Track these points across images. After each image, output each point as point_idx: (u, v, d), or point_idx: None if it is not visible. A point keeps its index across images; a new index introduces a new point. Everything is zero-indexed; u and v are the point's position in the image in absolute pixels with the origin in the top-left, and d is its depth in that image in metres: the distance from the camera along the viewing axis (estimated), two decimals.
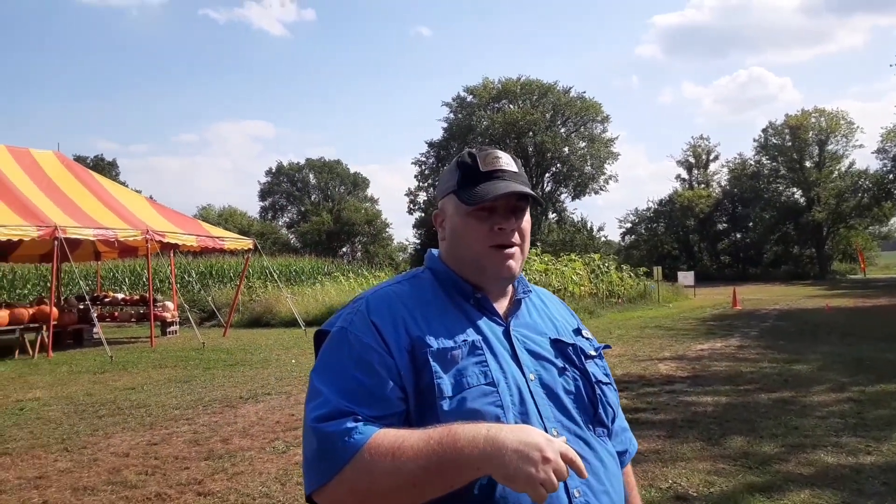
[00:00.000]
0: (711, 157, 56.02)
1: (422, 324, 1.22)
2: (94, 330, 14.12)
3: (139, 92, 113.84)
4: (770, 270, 47.30)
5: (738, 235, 52.63)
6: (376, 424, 1.10)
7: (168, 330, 15.97)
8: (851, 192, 46.36)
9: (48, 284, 18.49)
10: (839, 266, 48.71)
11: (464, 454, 1.02)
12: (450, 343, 1.20)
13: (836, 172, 48.28)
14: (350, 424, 1.08)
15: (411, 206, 55.18)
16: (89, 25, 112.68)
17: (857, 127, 47.69)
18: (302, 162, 66.56)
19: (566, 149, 51.19)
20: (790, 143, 48.71)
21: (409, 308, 1.24)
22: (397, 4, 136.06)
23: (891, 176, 43.41)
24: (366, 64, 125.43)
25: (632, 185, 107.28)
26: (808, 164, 48.70)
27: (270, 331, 16.57)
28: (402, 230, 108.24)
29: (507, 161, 1.31)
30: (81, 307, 14.81)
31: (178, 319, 16.66)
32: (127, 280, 24.49)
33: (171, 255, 17.46)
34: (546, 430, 1.17)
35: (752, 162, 52.14)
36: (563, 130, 52.15)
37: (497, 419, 1.13)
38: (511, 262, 1.28)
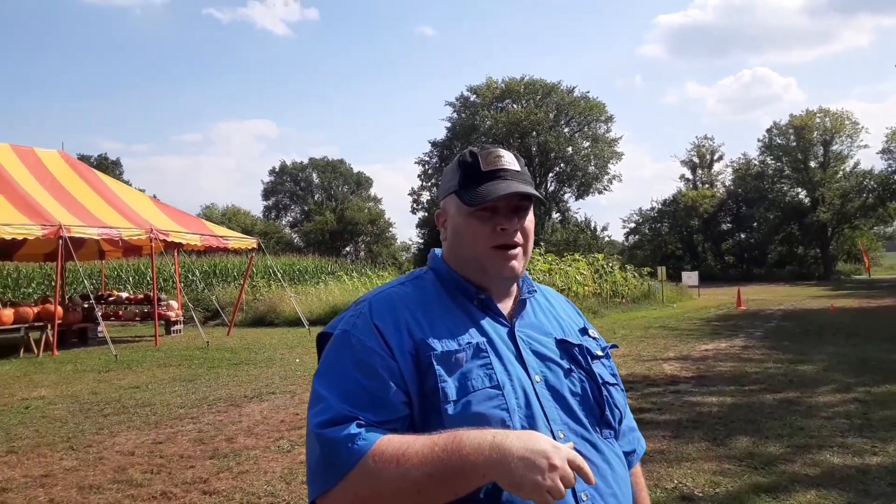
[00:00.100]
0: (715, 158, 55.92)
1: (425, 326, 1.20)
2: (99, 329, 14.16)
3: (143, 91, 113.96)
4: (774, 271, 47.20)
5: (743, 236, 52.55)
6: (379, 429, 1.08)
7: (172, 329, 16.01)
8: (856, 192, 46.27)
9: (53, 283, 18.53)
10: (844, 266, 48.63)
11: (469, 461, 1.01)
12: (454, 345, 1.18)
13: (841, 173, 48.19)
14: (353, 430, 1.07)
15: (414, 205, 55.24)
16: (93, 25, 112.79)
17: (862, 127, 47.68)
18: (305, 161, 66.72)
19: (570, 149, 51.16)
20: (795, 144, 48.60)
21: (412, 310, 1.23)
22: (401, 4, 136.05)
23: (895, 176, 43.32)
24: (369, 63, 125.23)
25: (635, 185, 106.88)
26: (812, 164, 48.60)
27: (274, 330, 16.60)
28: (406, 230, 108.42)
29: (509, 160, 1.29)
30: (86, 306, 14.85)
31: (182, 318, 16.68)
32: (131, 279, 24.57)
33: (175, 254, 17.51)
34: (552, 433, 1.15)
35: (756, 162, 52.05)
36: (566, 130, 52.11)
37: (502, 422, 1.12)
38: (514, 263, 1.27)
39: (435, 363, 1.15)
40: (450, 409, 1.12)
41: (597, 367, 1.31)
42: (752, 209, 50.41)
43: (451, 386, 1.14)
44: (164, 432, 6.15)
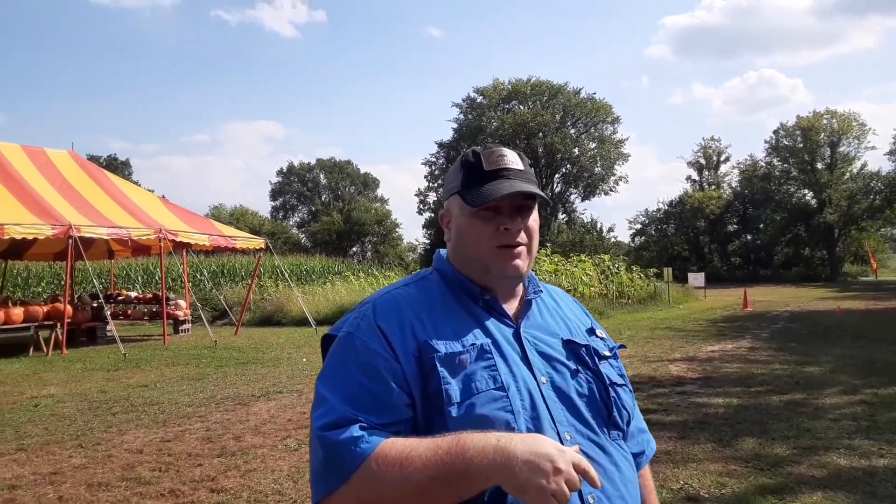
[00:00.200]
0: (722, 159, 55.83)
1: (429, 327, 1.19)
2: (108, 328, 14.27)
3: (152, 92, 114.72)
4: (781, 272, 47.06)
5: (749, 237, 52.38)
6: (382, 432, 1.08)
7: (180, 328, 16.09)
8: (863, 193, 46.07)
9: (62, 282, 18.66)
10: (850, 268, 48.36)
11: (473, 465, 1.00)
12: (458, 347, 1.17)
13: (848, 174, 47.97)
14: (356, 433, 1.06)
15: (421, 206, 55.41)
16: (103, 26, 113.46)
17: (870, 129, 47.50)
18: (312, 162, 67.03)
19: (576, 150, 51.14)
20: (802, 145, 48.42)
21: (417, 311, 1.22)
22: (408, 5, 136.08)
23: None
24: (376, 65, 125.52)
25: (642, 186, 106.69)
26: (819, 165, 48.39)
27: (281, 329, 16.65)
28: (412, 230, 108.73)
29: (512, 159, 1.27)
30: (95, 305, 14.95)
31: (190, 318, 16.77)
32: (140, 278, 24.65)
33: (184, 254, 17.58)
34: (559, 435, 1.15)
35: (763, 163, 51.89)
36: (573, 131, 52.09)
37: (507, 424, 1.11)
38: (517, 262, 1.25)
39: (438, 365, 1.14)
40: (453, 411, 1.12)
41: (604, 368, 1.29)
42: (759, 210, 50.27)
43: (454, 388, 1.13)
44: (173, 430, 6.19)
